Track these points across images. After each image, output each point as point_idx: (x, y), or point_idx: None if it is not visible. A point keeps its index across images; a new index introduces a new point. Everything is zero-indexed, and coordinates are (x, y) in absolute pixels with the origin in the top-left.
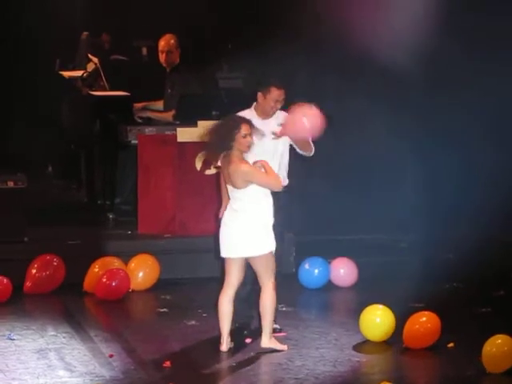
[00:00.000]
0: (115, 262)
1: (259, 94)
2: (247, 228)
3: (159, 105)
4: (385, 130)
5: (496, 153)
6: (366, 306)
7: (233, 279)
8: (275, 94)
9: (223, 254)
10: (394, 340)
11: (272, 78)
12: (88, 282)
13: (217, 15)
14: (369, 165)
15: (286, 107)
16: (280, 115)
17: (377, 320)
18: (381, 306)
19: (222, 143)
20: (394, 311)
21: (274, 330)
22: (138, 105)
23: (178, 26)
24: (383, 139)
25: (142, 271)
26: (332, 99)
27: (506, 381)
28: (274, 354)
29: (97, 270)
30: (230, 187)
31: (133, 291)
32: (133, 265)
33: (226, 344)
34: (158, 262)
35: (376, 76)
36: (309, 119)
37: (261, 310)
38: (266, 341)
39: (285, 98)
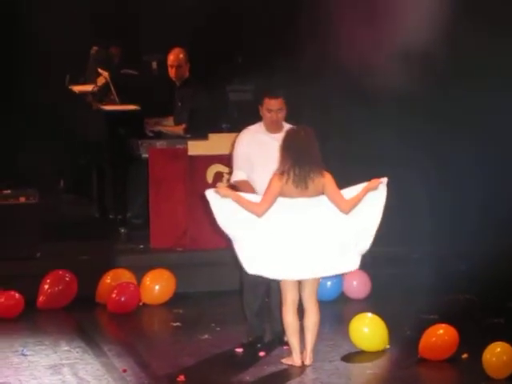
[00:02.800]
0: (126, 274)
1: (259, 108)
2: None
3: (170, 121)
4: (390, 140)
5: (507, 162)
6: (380, 317)
7: (294, 296)
8: (268, 103)
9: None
10: (408, 351)
11: (265, 89)
12: (100, 293)
13: (227, 28)
14: (379, 176)
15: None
16: None
17: (365, 330)
18: (370, 315)
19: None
20: (405, 322)
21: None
22: (149, 121)
23: (187, 40)
24: (394, 149)
25: (158, 285)
26: (336, 110)
27: None
28: (288, 367)
29: (109, 281)
30: (306, 199)
31: (144, 304)
32: (148, 279)
33: (300, 359)
34: (173, 276)
35: (379, 96)
36: None
37: (310, 328)
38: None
39: (285, 109)
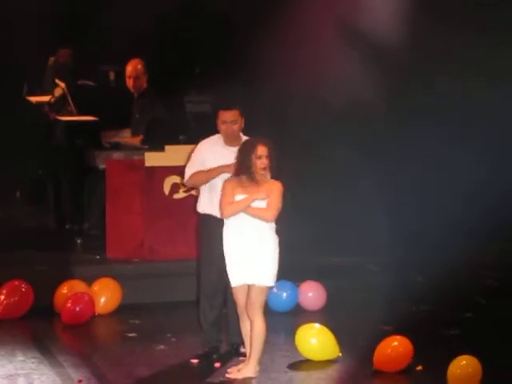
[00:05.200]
0: (82, 285)
1: (216, 121)
2: (274, 253)
3: (127, 133)
4: (353, 152)
5: (467, 177)
6: (334, 329)
7: (245, 304)
8: (222, 116)
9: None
10: (362, 363)
11: (219, 101)
12: (57, 304)
13: (185, 39)
14: (337, 188)
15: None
16: None
17: (312, 340)
18: (317, 325)
19: (241, 167)
20: (362, 334)
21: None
22: (106, 134)
23: (145, 51)
24: (352, 162)
25: (104, 295)
26: (298, 125)
27: None
28: (245, 378)
29: (65, 291)
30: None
31: (99, 315)
32: (95, 289)
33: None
34: (119, 285)
35: (342, 106)
36: None
37: (253, 340)
38: (252, 370)
39: (241, 120)
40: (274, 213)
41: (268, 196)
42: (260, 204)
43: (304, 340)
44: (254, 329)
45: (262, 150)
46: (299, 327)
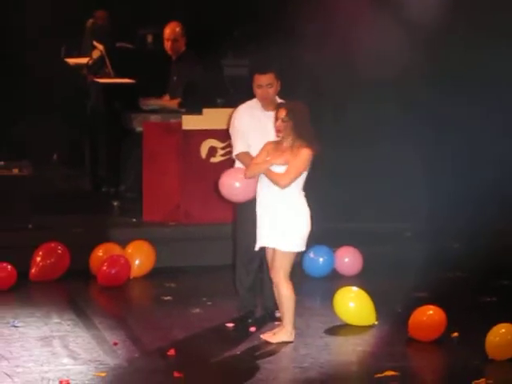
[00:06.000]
0: (117, 248)
1: (253, 86)
2: (298, 219)
3: (166, 98)
4: (387, 120)
5: (502, 143)
6: (369, 295)
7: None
8: (257, 79)
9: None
10: (397, 329)
11: (254, 65)
12: (93, 266)
13: (222, 2)
14: (373, 154)
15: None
16: None
17: (350, 304)
18: (355, 289)
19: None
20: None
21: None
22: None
23: (183, 13)
24: (386, 129)
25: (138, 258)
26: (332, 89)
27: (510, 367)
28: (280, 342)
29: (101, 254)
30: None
31: (134, 278)
32: (129, 251)
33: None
34: (153, 247)
35: (378, 69)
36: (241, 182)
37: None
38: (287, 334)
39: (277, 83)
40: (287, 180)
41: (288, 162)
42: (282, 169)
43: (342, 303)
44: (277, 294)
45: (278, 113)
46: (338, 290)
